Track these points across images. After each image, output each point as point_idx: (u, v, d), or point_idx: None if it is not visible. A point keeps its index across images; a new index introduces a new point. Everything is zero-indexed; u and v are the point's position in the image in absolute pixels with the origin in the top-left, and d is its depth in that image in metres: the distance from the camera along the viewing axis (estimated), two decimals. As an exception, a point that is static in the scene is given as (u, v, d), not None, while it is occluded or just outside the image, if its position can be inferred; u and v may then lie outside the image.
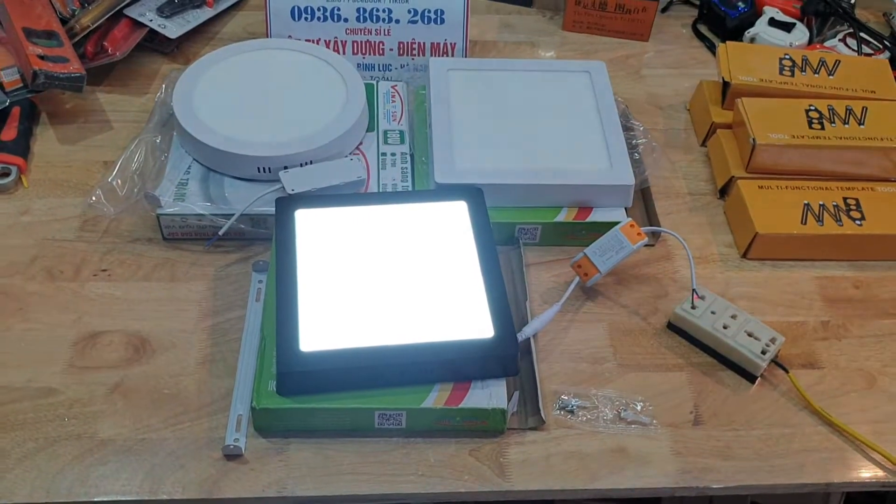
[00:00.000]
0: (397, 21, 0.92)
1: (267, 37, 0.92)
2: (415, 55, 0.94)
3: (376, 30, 0.92)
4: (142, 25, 0.94)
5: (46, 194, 0.81)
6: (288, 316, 0.65)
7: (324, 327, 0.65)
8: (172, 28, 0.95)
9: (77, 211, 0.80)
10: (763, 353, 0.70)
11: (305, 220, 0.72)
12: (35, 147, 0.85)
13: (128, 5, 0.94)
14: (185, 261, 0.76)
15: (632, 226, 0.75)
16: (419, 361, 0.64)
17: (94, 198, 0.76)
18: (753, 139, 0.82)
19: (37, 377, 0.67)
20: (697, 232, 0.83)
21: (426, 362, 0.64)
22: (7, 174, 0.81)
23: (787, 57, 0.92)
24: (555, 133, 0.82)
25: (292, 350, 0.63)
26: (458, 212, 0.74)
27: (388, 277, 0.69)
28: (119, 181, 0.77)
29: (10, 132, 0.83)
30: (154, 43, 0.96)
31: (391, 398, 0.64)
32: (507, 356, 0.65)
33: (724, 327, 0.71)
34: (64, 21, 0.91)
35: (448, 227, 0.73)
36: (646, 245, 0.79)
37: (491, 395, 0.65)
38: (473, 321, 0.66)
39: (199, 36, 0.99)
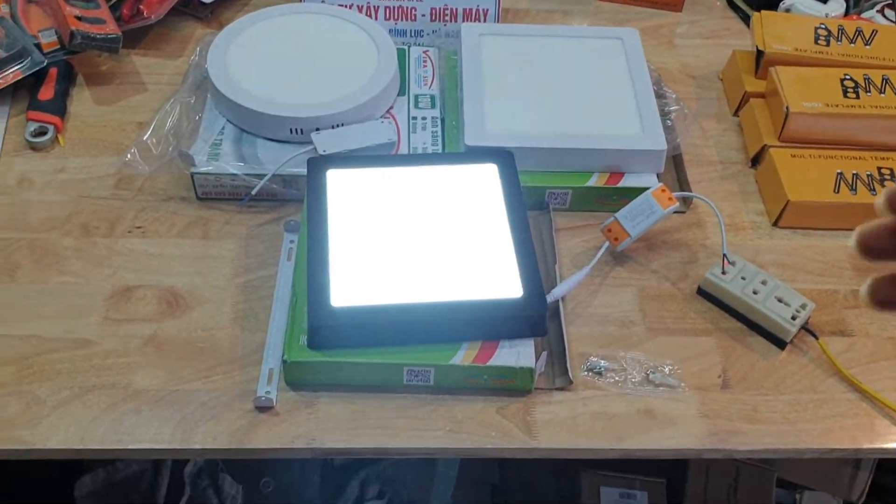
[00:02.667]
0: (430, -13, 0.92)
1: (300, 1, 0.92)
2: (447, 21, 0.93)
3: (409, -5, 0.92)
4: (177, -11, 0.95)
5: (82, 153, 0.82)
6: (319, 272, 0.66)
7: (355, 284, 0.66)
8: (207, -8, 0.95)
9: (112, 169, 0.81)
10: (793, 318, 0.70)
11: (337, 181, 0.73)
12: (71, 107, 0.86)
13: (163, -31, 0.94)
14: (218, 220, 0.77)
15: (663, 190, 0.74)
16: (448, 319, 0.65)
17: (129, 156, 0.77)
18: (787, 107, 0.81)
19: (73, 329, 0.68)
20: (728, 199, 0.82)
21: (454, 320, 0.65)
22: (44, 133, 0.82)
23: (822, 27, 0.90)
24: (587, 98, 0.82)
25: (323, 305, 0.64)
26: (488, 174, 0.74)
27: (418, 237, 0.70)
28: (154, 140, 0.78)
29: (47, 92, 0.85)
30: (189, 8, 0.97)
31: (420, 354, 0.65)
32: (535, 315, 0.65)
33: (755, 293, 0.71)
34: (100, -16, 0.92)
35: (478, 189, 0.73)
36: (676, 211, 0.78)
37: (519, 355, 0.65)
38: (503, 281, 0.66)
39: (232, 2, 0.99)
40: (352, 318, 0.64)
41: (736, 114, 0.91)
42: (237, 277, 0.73)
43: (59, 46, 0.88)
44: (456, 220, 0.71)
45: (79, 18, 0.84)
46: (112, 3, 0.90)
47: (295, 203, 0.79)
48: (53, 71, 0.86)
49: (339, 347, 0.65)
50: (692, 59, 0.97)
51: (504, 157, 0.75)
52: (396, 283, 0.66)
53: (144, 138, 0.78)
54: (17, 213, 0.76)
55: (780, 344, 0.70)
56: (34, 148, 0.82)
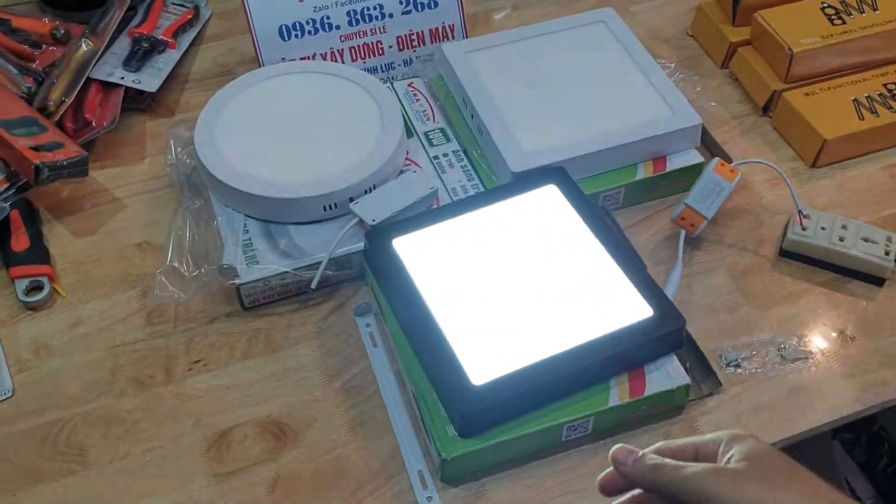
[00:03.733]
0: (391, 15, 0.86)
1: (259, 64, 0.84)
2: (415, 47, 0.88)
3: (371, 30, 0.86)
4: (113, 86, 0.84)
5: (90, 297, 0.72)
6: (440, 352, 0.60)
7: (483, 354, 0.61)
8: (148, 80, 0.85)
9: (134, 306, 0.71)
10: (886, 254, 0.70)
11: (405, 248, 0.67)
12: (52, 249, 0.75)
13: (91, 69, 0.83)
14: (278, 326, 0.70)
15: (722, 165, 0.73)
16: (592, 362, 0.61)
17: (158, 288, 0.68)
18: (790, 49, 0.82)
19: (186, 499, 0.60)
20: (758, 154, 0.82)
21: (598, 361, 0.61)
22: (39, 288, 0.71)
23: (776, -39, 0.91)
24: (602, 91, 0.79)
25: (465, 387, 0.59)
26: (551, 196, 0.71)
27: (517, 283, 0.65)
28: (178, 262, 0.69)
29: (20, 241, 0.73)
30: (126, 101, 0.86)
31: (576, 407, 0.61)
32: (674, 330, 0.62)
33: (840, 240, 0.71)
34: (27, 101, 0.80)
35: (548, 214, 0.70)
36: (724, 180, 0.78)
37: (669, 374, 0.62)
38: (627, 304, 0.63)
39: (169, 83, 0.89)
40: (499, 392, 0.59)
41: (724, 66, 0.90)
42: (331, 383, 0.66)
43: (8, 185, 0.76)
44: (545, 254, 0.67)
45: (35, 149, 0.73)
46: (56, 120, 0.79)
47: (348, 284, 0.72)
48: (14, 214, 0.75)
49: (490, 426, 0.60)
50: (655, 22, 0.96)
51: (558, 174, 0.72)
52: (523, 339, 0.62)
53: (168, 262, 0.69)
54: (52, 389, 0.66)
55: (879, 282, 0.71)
56: (33, 308, 0.70)
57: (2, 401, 0.65)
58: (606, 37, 0.85)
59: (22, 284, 0.71)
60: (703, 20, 0.92)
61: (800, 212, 0.73)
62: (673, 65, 0.85)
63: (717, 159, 0.74)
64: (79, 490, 0.60)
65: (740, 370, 0.66)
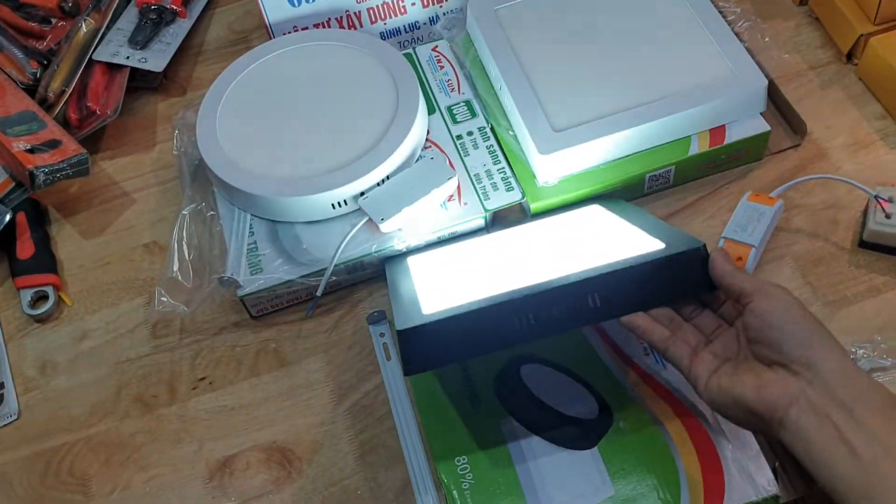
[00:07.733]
0: (412, -33, 0.77)
1: (268, 36, 0.77)
2: (441, 2, 0.78)
3: (390, -14, 0.77)
4: (119, 67, 0.79)
5: (97, 307, 0.68)
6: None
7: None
8: (155, 59, 0.79)
9: (140, 316, 0.67)
10: None
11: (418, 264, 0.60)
12: (59, 253, 0.71)
13: (94, 50, 0.78)
14: (287, 337, 0.64)
15: (756, 195, 0.63)
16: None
17: (158, 302, 0.63)
18: (880, -16, 0.68)
19: (186, 536, 0.57)
20: (840, 111, 0.70)
21: None
22: (45, 298, 0.68)
23: None
24: (649, 48, 0.69)
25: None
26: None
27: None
28: (180, 272, 0.64)
29: (25, 248, 0.70)
30: (135, 80, 0.80)
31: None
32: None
33: (933, 226, 0.60)
34: (30, 92, 0.76)
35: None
36: (793, 147, 0.67)
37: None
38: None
39: (182, 55, 0.83)
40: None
41: (802, 3, 0.77)
42: (341, 403, 0.61)
43: (14, 185, 0.72)
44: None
45: (31, 151, 0.69)
46: (56, 113, 0.74)
47: (363, 286, 0.66)
48: (20, 217, 0.71)
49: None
50: (722, -52, 0.83)
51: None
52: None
53: (171, 274, 0.64)
54: (56, 411, 0.63)
55: (979, 273, 0.60)
56: (40, 320, 0.68)
57: (8, 424, 0.63)
58: (656, -20, 0.73)
59: (27, 295, 0.68)
60: (777, -53, 0.79)
61: (877, 197, 0.61)
62: (739, 10, 0.73)
63: (749, 192, 0.63)
64: (80, 524, 0.58)
65: (803, 387, 0.57)
